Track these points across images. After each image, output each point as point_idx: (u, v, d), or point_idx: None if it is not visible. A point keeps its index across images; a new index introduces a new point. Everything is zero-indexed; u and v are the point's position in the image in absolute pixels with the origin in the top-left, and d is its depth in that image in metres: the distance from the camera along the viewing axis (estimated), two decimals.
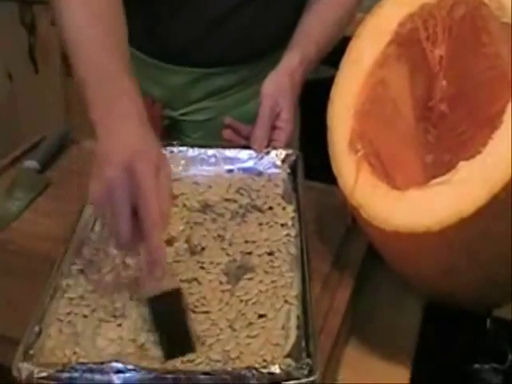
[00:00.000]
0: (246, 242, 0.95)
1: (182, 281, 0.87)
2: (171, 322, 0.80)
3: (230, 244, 0.95)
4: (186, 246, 0.94)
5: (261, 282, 0.88)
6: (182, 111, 1.31)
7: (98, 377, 0.72)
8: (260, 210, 1.02)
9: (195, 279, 0.89)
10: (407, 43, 0.97)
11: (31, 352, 0.75)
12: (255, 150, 1.10)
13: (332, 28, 1.21)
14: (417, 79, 0.99)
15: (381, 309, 0.99)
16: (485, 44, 0.91)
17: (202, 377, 0.73)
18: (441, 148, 0.99)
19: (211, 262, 0.91)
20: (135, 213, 0.78)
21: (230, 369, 0.75)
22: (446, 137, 0.99)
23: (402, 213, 0.83)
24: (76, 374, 0.72)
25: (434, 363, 0.91)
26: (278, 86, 1.12)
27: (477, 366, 0.88)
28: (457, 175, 0.80)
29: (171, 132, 1.33)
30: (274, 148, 1.11)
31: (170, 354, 0.78)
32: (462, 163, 0.80)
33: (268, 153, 1.11)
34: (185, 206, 1.02)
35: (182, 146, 1.11)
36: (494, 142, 0.79)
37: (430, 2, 0.95)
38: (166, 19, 1.21)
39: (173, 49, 1.23)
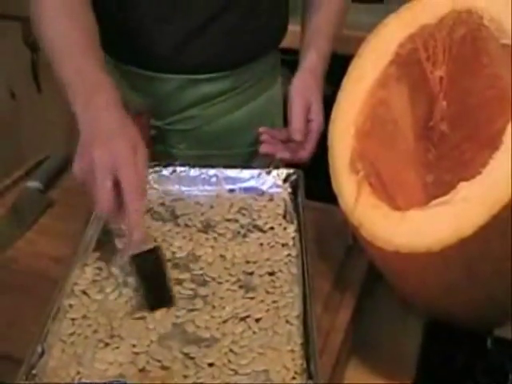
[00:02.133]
0: (248, 262, 0.96)
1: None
2: (152, 277, 0.88)
3: (233, 264, 0.95)
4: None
5: (262, 301, 0.88)
6: (167, 120, 1.31)
7: None
8: (261, 230, 1.02)
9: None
10: (408, 64, 0.98)
11: (34, 372, 0.76)
12: (297, 139, 1.13)
13: (337, 20, 1.28)
14: (417, 99, 1.00)
15: (382, 328, 0.99)
16: (484, 65, 0.92)
17: None
18: (441, 168, 0.99)
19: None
20: (115, 186, 0.87)
21: None
22: (446, 157, 0.99)
23: (402, 233, 0.84)
24: None
25: (435, 382, 0.91)
26: (305, 83, 1.18)
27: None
28: (457, 195, 0.80)
29: (157, 143, 1.33)
30: (276, 167, 1.12)
31: (152, 306, 0.87)
32: (462, 184, 0.81)
33: (269, 172, 1.11)
34: (187, 225, 1.03)
35: (182, 165, 1.12)
36: (493, 163, 0.79)
37: (430, 22, 0.95)
38: (150, 25, 1.21)
39: (157, 55, 1.23)
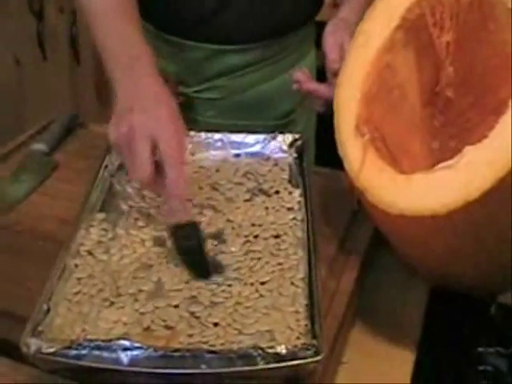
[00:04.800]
0: (253, 225, 0.96)
1: None
2: (189, 248, 0.90)
3: (239, 226, 0.96)
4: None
5: (267, 263, 0.89)
6: (195, 88, 1.31)
7: (105, 354, 0.73)
8: (267, 194, 1.03)
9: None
10: (414, 29, 0.97)
11: (40, 328, 0.77)
12: (335, 68, 1.06)
13: None
14: (424, 65, 0.99)
15: (386, 292, 0.99)
16: (491, 31, 0.91)
17: (208, 355, 0.74)
18: (447, 134, 0.99)
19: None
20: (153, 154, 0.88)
21: (235, 348, 0.76)
22: (452, 123, 0.99)
23: (408, 196, 0.83)
24: (84, 351, 0.73)
25: (438, 346, 0.92)
26: (337, 27, 1.13)
27: (481, 349, 0.89)
28: (463, 159, 0.80)
29: (184, 110, 1.32)
30: (281, 132, 1.11)
31: (194, 276, 0.87)
32: (468, 148, 0.80)
33: (275, 137, 1.11)
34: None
35: (188, 130, 1.11)
36: (499, 127, 0.79)
37: None
38: None
39: (187, 23, 1.23)
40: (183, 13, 1.23)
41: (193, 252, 0.90)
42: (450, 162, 0.81)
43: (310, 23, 1.35)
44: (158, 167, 0.89)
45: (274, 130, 1.24)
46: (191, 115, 1.33)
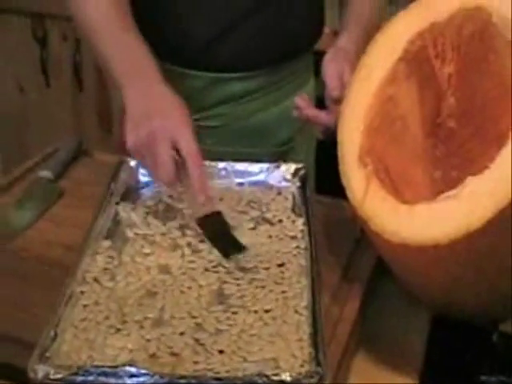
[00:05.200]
0: (257, 253, 0.97)
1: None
2: (220, 232, 0.98)
3: (243, 256, 0.96)
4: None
5: (271, 291, 0.90)
6: (196, 116, 1.31)
7: (111, 380, 0.74)
8: (270, 223, 1.04)
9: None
10: (416, 61, 0.98)
11: (47, 354, 0.77)
12: (335, 96, 1.08)
13: (370, 8, 1.29)
14: (425, 96, 1.01)
15: (389, 320, 1.00)
16: (492, 62, 0.92)
17: (214, 382, 0.75)
18: (449, 164, 1.00)
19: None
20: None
21: (240, 375, 0.77)
22: (454, 153, 1.00)
23: (410, 226, 0.84)
24: (90, 377, 0.74)
25: (441, 375, 0.92)
26: (336, 55, 1.15)
27: (484, 378, 0.89)
28: (465, 190, 0.81)
29: None
30: (285, 162, 1.13)
31: (226, 255, 0.95)
32: (470, 178, 0.82)
33: (278, 166, 1.12)
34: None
35: None
36: (501, 158, 0.80)
37: (439, 20, 0.96)
38: (182, 21, 1.23)
39: (188, 52, 1.25)
40: (185, 42, 1.24)
41: (221, 235, 0.98)
42: (452, 193, 0.82)
43: (310, 51, 1.36)
44: (179, 168, 0.97)
45: (274, 157, 1.26)
46: None
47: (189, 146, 0.95)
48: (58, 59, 2.27)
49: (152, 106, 0.98)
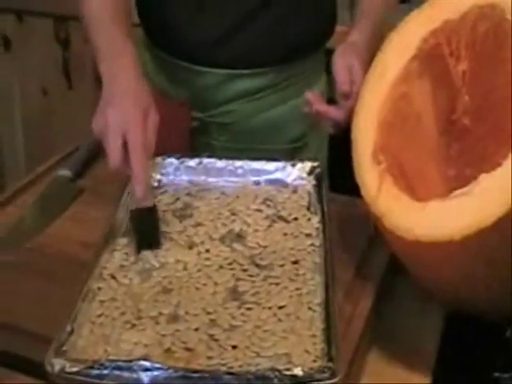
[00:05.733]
0: (272, 251, 0.98)
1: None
2: (144, 229, 0.99)
3: (259, 253, 0.98)
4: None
5: (285, 288, 0.91)
6: (208, 113, 1.33)
7: (126, 374, 0.75)
8: (285, 221, 1.04)
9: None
10: (430, 59, 0.99)
11: (64, 348, 0.79)
12: (344, 90, 1.10)
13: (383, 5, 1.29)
14: (439, 94, 1.01)
15: (402, 318, 1.00)
16: (506, 59, 0.93)
17: (227, 376, 0.76)
18: (463, 162, 1.00)
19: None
20: (126, 144, 0.96)
21: (253, 370, 0.78)
22: (468, 151, 1.00)
23: (424, 223, 0.85)
24: (105, 371, 0.75)
25: (454, 372, 0.92)
26: (346, 50, 1.16)
27: (497, 374, 0.89)
28: (478, 187, 0.82)
29: (199, 134, 1.35)
30: (301, 160, 1.14)
31: (140, 248, 0.97)
32: (483, 175, 0.82)
33: (294, 165, 1.13)
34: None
35: (210, 157, 1.14)
36: None
37: (453, 18, 0.97)
38: (192, 17, 1.25)
39: (198, 49, 1.26)
40: (195, 39, 1.25)
41: (146, 229, 0.99)
42: (465, 189, 0.83)
43: (321, 49, 1.37)
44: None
45: (286, 153, 1.28)
46: (206, 140, 1.35)
47: (134, 137, 0.96)
48: (80, 61, 2.29)
49: (113, 94, 1.01)
